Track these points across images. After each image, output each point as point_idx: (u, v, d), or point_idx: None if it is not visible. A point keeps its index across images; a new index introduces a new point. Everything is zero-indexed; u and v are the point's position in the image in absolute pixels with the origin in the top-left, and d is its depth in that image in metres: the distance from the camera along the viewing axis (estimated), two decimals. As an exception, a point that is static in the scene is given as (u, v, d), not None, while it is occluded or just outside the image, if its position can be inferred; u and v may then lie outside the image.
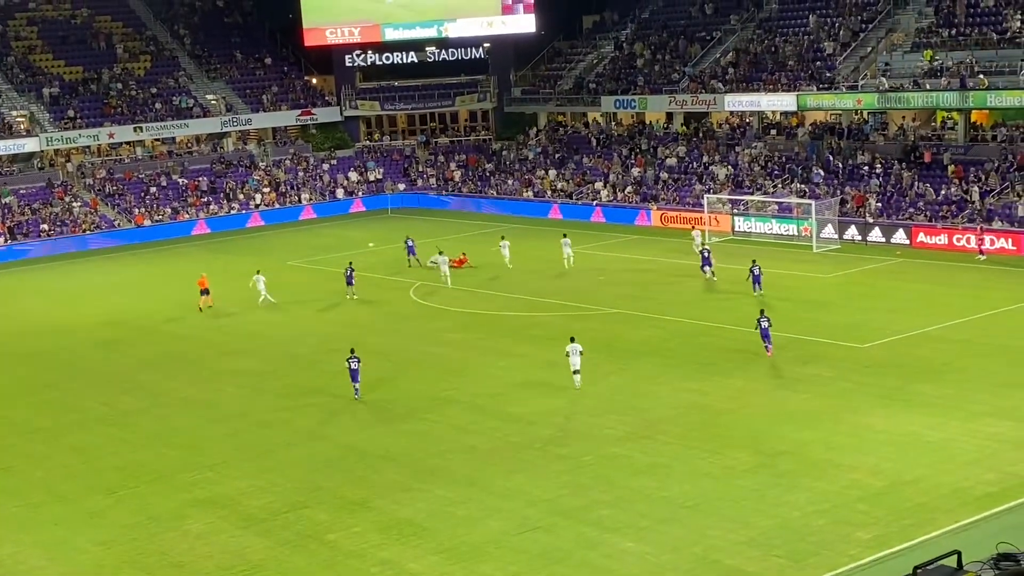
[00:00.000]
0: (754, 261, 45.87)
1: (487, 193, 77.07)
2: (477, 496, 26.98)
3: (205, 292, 49.78)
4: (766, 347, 37.51)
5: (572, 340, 35.30)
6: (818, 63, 67.44)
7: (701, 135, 72.81)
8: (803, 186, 62.49)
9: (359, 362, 35.41)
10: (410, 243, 57.56)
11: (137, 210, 73.37)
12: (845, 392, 33.33)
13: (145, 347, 44.32)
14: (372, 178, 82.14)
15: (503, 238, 57.11)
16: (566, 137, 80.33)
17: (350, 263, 51.88)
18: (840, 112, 66.67)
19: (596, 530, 24.72)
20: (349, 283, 50.40)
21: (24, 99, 77.12)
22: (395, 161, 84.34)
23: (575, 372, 34.97)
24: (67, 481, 29.89)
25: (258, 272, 50.94)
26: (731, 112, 72.25)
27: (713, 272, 49.73)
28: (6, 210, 70.76)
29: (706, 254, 50.42)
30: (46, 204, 72.05)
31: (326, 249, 61.00)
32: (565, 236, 54.69)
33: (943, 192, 57.53)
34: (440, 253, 53.19)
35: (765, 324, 37.48)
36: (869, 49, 66.36)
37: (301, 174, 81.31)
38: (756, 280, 45.33)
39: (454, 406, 34.35)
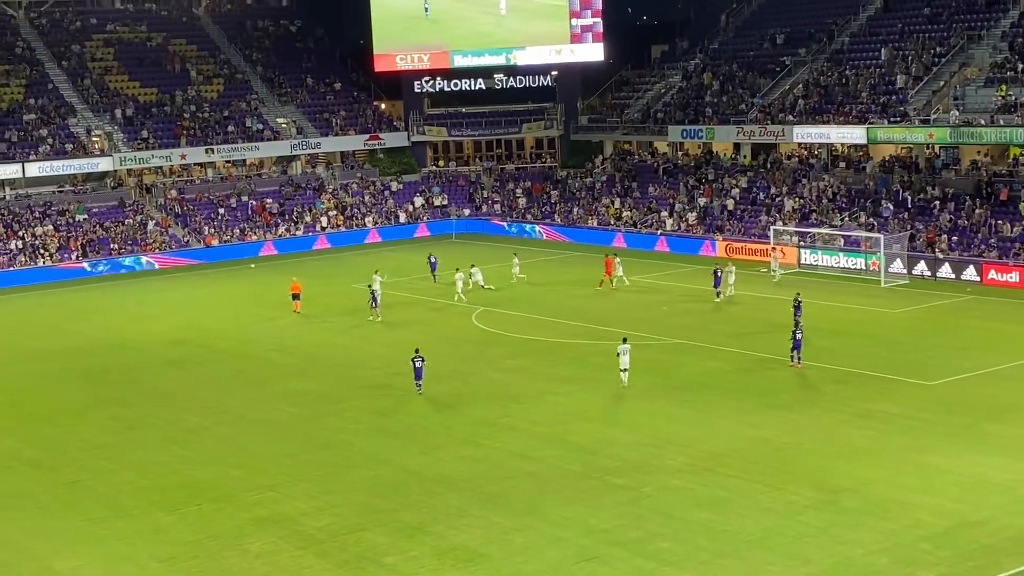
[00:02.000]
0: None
1: (551, 220, 77.12)
2: (535, 524, 26.90)
3: (296, 297, 52.44)
4: (792, 357, 39.16)
5: (624, 341, 38.67)
6: (890, 96, 66.85)
7: (769, 166, 72.41)
8: (871, 220, 61.89)
9: (423, 361, 38.50)
10: (433, 260, 59.92)
11: (206, 230, 74.28)
12: (911, 430, 32.88)
13: (210, 366, 44.77)
14: (437, 203, 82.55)
15: (515, 255, 59.75)
16: (632, 166, 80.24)
17: (370, 285, 52.53)
18: (911, 146, 65.98)
19: (654, 562, 24.55)
20: (373, 305, 51.19)
21: (99, 119, 78.48)
22: (460, 187, 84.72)
23: (623, 371, 38.06)
24: (130, 497, 30.21)
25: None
26: (799, 144, 71.81)
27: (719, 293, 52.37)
28: (79, 228, 71.93)
29: (718, 272, 52.84)
30: (118, 222, 73.17)
31: (390, 272, 61.25)
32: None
33: (1016, 229, 56.69)
34: (461, 269, 55.60)
35: (799, 336, 39.37)
36: (942, 83, 65.68)
37: (367, 198, 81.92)
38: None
39: (513, 433, 34.31)
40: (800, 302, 44.89)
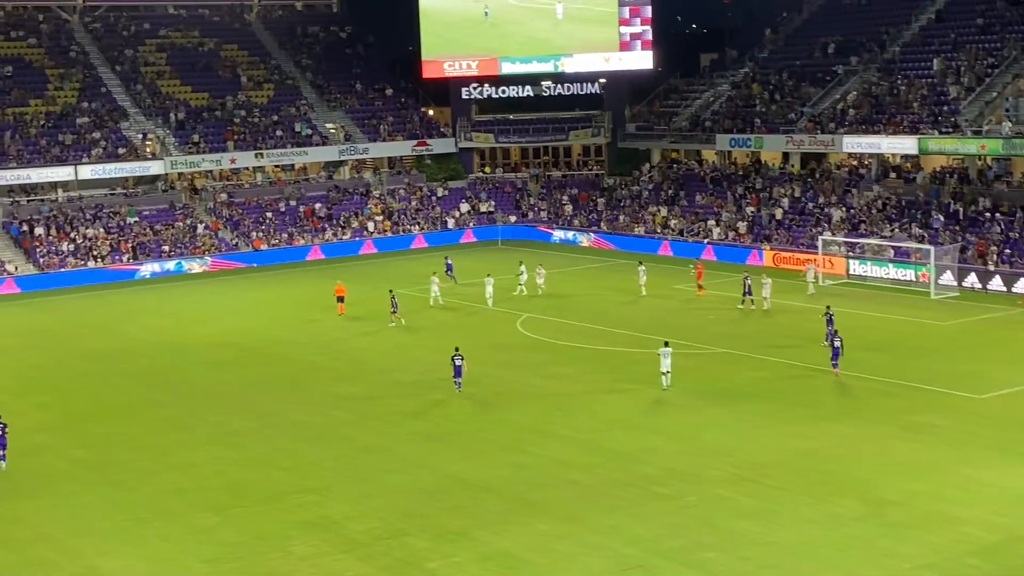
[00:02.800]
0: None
1: (598, 228, 76.99)
2: (577, 532, 26.84)
3: (340, 300, 53.09)
4: (833, 364, 39.52)
5: (665, 344, 39.61)
6: (941, 107, 66.23)
7: (818, 176, 71.94)
8: (922, 231, 61.32)
9: (463, 359, 39.44)
10: (448, 262, 61.51)
11: (255, 234, 74.80)
12: (959, 443, 32.53)
13: (256, 369, 45.05)
14: (484, 209, 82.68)
15: (540, 265, 59.79)
16: (679, 174, 79.98)
17: (391, 290, 52.73)
18: (963, 157, 65.32)
19: (697, 572, 24.42)
20: (393, 310, 51.37)
21: (151, 123, 79.28)
22: (507, 193, 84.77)
23: (664, 373, 38.85)
24: (176, 498, 30.44)
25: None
26: (849, 154, 71.29)
27: (752, 301, 52.47)
28: (129, 230, 72.66)
29: (748, 280, 53.10)
30: (168, 225, 73.84)
31: (436, 277, 61.38)
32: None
33: (1068, 241, 56.07)
34: (492, 275, 56.06)
35: (838, 343, 39.76)
36: (995, 94, 64.98)
37: (414, 203, 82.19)
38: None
39: (556, 440, 34.26)
40: (832, 315, 44.55)
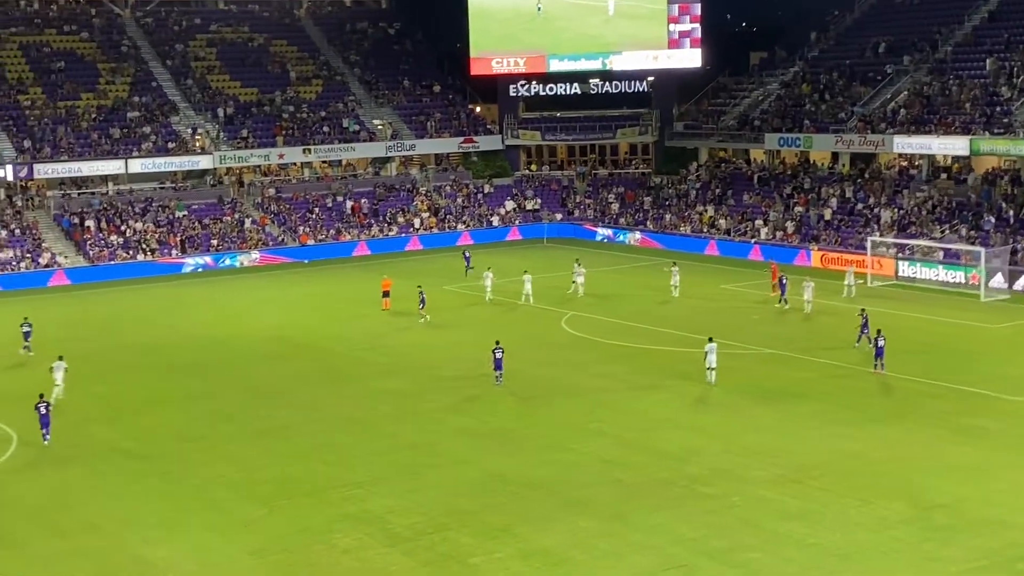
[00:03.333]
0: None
1: (644, 227, 76.79)
2: (620, 530, 26.81)
3: (386, 295, 53.58)
4: (876, 364, 39.65)
5: (710, 340, 39.79)
6: (994, 107, 65.51)
7: (867, 176, 71.37)
8: (972, 233, 60.69)
9: (503, 352, 40.29)
10: (467, 255, 63.88)
11: (302, 229, 75.23)
12: (1009, 447, 32.21)
13: (303, 363, 45.31)
14: (530, 207, 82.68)
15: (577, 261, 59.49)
16: (727, 173, 79.61)
17: (419, 286, 52.86)
18: (1015, 158, 64.57)
19: (741, 572, 24.34)
20: (422, 305, 51.75)
21: (200, 117, 79.90)
22: (553, 191, 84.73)
23: (710, 369, 39.33)
24: (222, 489, 30.70)
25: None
26: (899, 154, 70.66)
27: (785, 300, 52.83)
28: (178, 224, 73.30)
29: (784, 280, 53.32)
30: (216, 219, 74.41)
31: (482, 275, 61.48)
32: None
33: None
34: (489, 269, 56.72)
35: (881, 343, 39.96)
36: (1048, 94, 64.26)
37: (460, 200, 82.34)
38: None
39: (601, 438, 34.23)
40: (867, 318, 44.36)
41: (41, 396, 35.75)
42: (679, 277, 56.24)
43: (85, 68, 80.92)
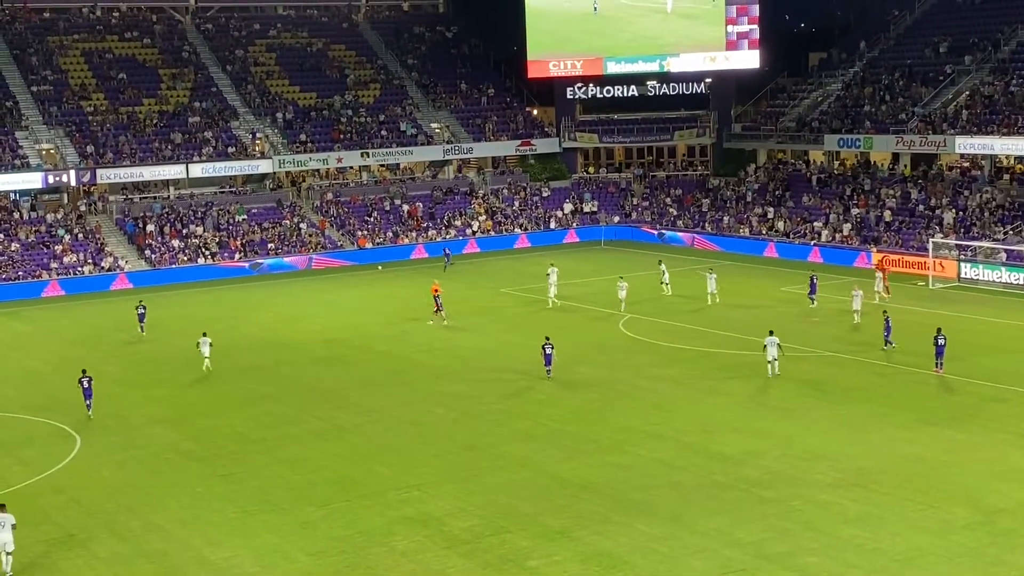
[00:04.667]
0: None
1: (702, 229, 76.46)
2: (679, 534, 26.70)
3: (437, 299, 53.18)
4: (937, 364, 39.74)
5: (771, 333, 40.87)
6: (1058, 106, 64.61)
7: (928, 177, 70.58)
8: (1036, 234, 59.89)
9: (552, 348, 41.59)
10: (448, 253, 67.21)
11: (360, 232, 75.65)
12: (1074, 452, 31.68)
13: (362, 365, 45.56)
14: (587, 210, 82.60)
15: (552, 264, 59.46)
16: (786, 175, 79.04)
17: (434, 288, 53.31)
18: (1080, 158, 63.66)
19: (801, 577, 24.15)
20: (437, 309, 52.24)
21: (260, 122, 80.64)
22: (610, 194, 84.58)
23: (770, 361, 40.31)
24: (282, 491, 30.93)
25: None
26: (961, 155, 69.80)
27: (813, 299, 53.13)
28: (238, 228, 74.00)
29: (814, 280, 53.53)
30: (275, 223, 75.04)
31: (538, 278, 61.54)
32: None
33: None
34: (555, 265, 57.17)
35: (941, 342, 39.90)
36: (1114, 93, 63.21)
37: (517, 203, 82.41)
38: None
39: (659, 441, 34.11)
40: (888, 320, 44.58)
41: (84, 371, 39.46)
42: (716, 284, 55.24)
43: (146, 74, 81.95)
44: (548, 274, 56.87)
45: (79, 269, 67.72)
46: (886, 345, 44.15)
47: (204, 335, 45.55)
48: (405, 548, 26.56)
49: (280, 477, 32.13)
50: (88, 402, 38.77)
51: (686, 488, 29.83)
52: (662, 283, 57.56)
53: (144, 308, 53.49)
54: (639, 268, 62.68)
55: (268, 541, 27.43)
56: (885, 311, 45.92)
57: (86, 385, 38.78)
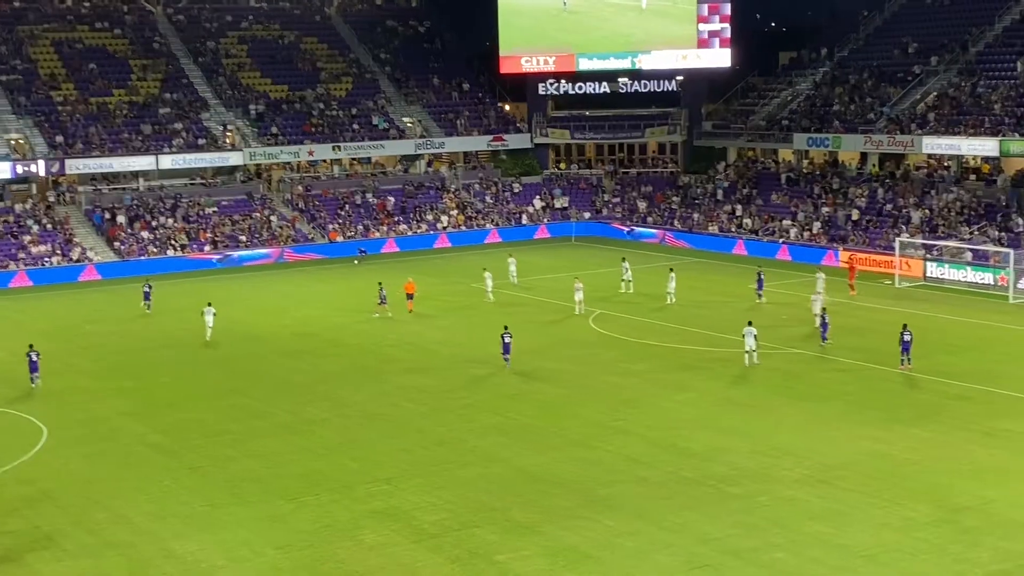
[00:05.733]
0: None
1: (672, 226, 76.74)
2: (646, 529, 26.87)
3: (410, 296, 53.36)
4: (903, 360, 39.98)
5: (749, 324, 41.94)
6: (1024, 108, 65.21)
7: (896, 177, 71.10)
8: (1001, 234, 60.37)
9: (511, 337, 42.50)
10: (363, 252, 67.94)
11: (331, 226, 75.53)
12: (1036, 450, 32.06)
13: (331, 359, 45.54)
14: (558, 205, 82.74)
15: (510, 255, 61.43)
16: (755, 173, 79.43)
17: (380, 283, 53.62)
18: (1046, 160, 64.28)
19: (767, 573, 24.36)
20: (381, 302, 52.65)
21: (231, 114, 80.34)
22: (581, 190, 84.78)
23: (748, 351, 41.45)
24: (250, 484, 30.91)
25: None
26: (928, 155, 70.36)
27: (761, 295, 54.14)
28: (208, 220, 73.71)
29: (760, 276, 54.30)
30: (246, 216, 74.79)
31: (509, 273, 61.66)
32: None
33: None
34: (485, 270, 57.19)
35: (908, 337, 40.29)
36: (1080, 96, 63.85)
37: (489, 199, 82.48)
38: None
39: (627, 437, 34.28)
40: (826, 318, 44.77)
41: (31, 346, 41.82)
42: (675, 283, 54.90)
43: (117, 65, 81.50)
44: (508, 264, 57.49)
45: (47, 260, 67.33)
46: (825, 341, 44.65)
47: (209, 305, 49.21)
48: (373, 542, 26.61)
49: (248, 470, 32.10)
50: (33, 375, 40.96)
51: (653, 484, 30.01)
52: (623, 280, 57.66)
53: (150, 287, 56.30)
54: (609, 264, 62.81)
55: (236, 534, 27.42)
56: (824, 309, 46.18)
57: (34, 358, 40.80)
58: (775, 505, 28.15)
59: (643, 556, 25.35)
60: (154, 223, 72.22)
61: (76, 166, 72.81)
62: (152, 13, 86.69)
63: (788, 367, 42.26)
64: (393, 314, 52.42)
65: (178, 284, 64.29)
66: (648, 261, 67.58)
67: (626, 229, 77.99)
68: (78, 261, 67.75)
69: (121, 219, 71.69)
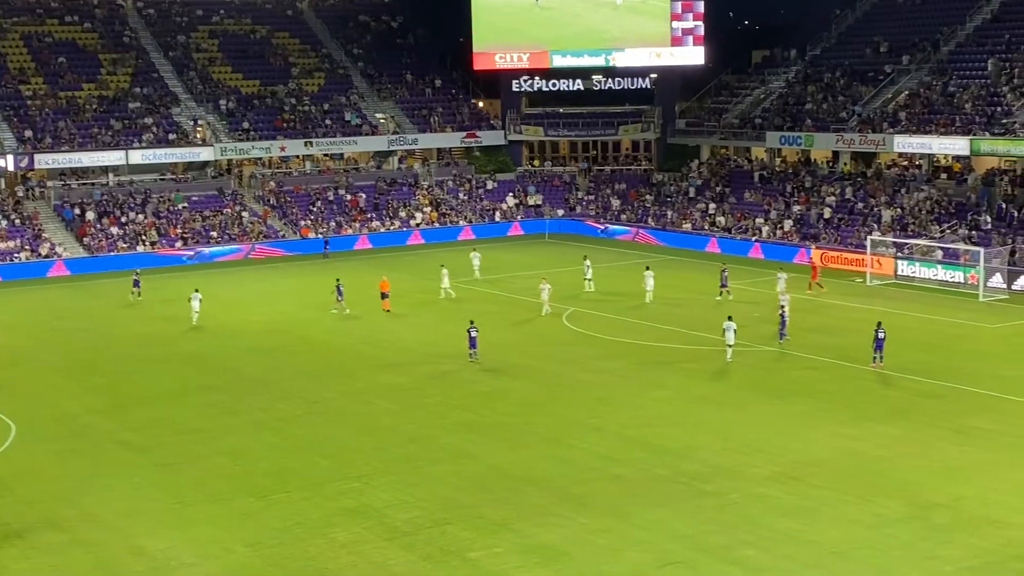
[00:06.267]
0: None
1: (645, 223, 76.83)
2: (619, 526, 26.87)
3: (385, 296, 52.91)
4: (875, 357, 40.11)
5: (729, 319, 42.60)
6: (995, 108, 65.53)
7: (868, 176, 71.42)
8: (972, 232, 60.74)
9: (477, 331, 43.00)
10: (327, 244, 69.62)
11: (303, 222, 75.23)
12: (1007, 447, 32.25)
13: (303, 356, 45.35)
14: (532, 203, 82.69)
15: (474, 249, 62.22)
16: (728, 171, 79.63)
17: (338, 279, 53.75)
18: (1015, 159, 64.61)
19: (739, 569, 24.38)
20: (338, 299, 52.71)
21: (202, 109, 79.92)
22: (555, 187, 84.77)
23: (729, 346, 41.78)
24: (221, 482, 30.73)
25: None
26: (900, 154, 70.71)
27: (728, 292, 54.24)
28: (178, 215, 73.30)
29: (724, 273, 54.62)
30: (217, 212, 74.41)
31: (484, 271, 61.59)
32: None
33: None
34: (443, 266, 57.13)
35: (881, 335, 40.43)
36: (1050, 95, 64.26)
37: (462, 195, 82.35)
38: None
39: (601, 434, 34.27)
40: (784, 315, 45.32)
41: None
42: (653, 282, 54.83)
43: (87, 59, 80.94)
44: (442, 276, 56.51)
45: (16, 256, 66.78)
46: (784, 338, 44.83)
47: (196, 291, 51.14)
48: (345, 540, 26.49)
49: (219, 468, 31.92)
50: None
51: (626, 481, 30.02)
52: (585, 279, 57.55)
53: (138, 275, 58.17)
54: (581, 263, 62.78)
55: (206, 532, 27.25)
56: (783, 306, 46.35)
57: None
58: (747, 502, 28.20)
59: (616, 553, 25.34)
60: (124, 219, 71.73)
61: (45, 161, 72.28)
62: (122, 7, 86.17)
63: (761, 365, 42.37)
64: (351, 311, 52.19)
65: (148, 280, 63.78)
66: (622, 259, 67.65)
67: (600, 227, 78.03)
68: (47, 257, 67.24)
69: (90, 215, 71.16)
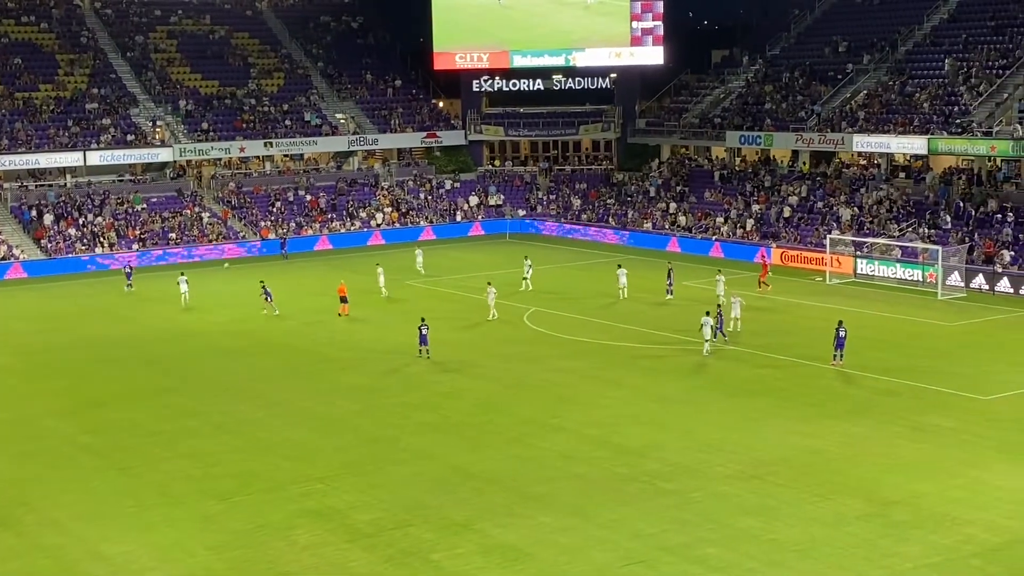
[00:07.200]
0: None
1: (606, 223, 77.02)
2: (581, 526, 26.92)
3: (344, 300, 52.35)
4: (835, 355, 40.70)
5: (707, 314, 43.29)
6: (952, 107, 66.16)
7: (827, 175, 71.91)
8: (930, 231, 61.27)
9: (428, 328, 43.71)
10: (284, 245, 70.50)
11: (263, 223, 74.88)
12: (964, 444, 32.56)
13: (264, 357, 45.14)
14: (493, 203, 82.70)
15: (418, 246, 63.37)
16: (688, 171, 79.95)
17: (262, 281, 53.87)
18: (972, 158, 65.25)
19: (701, 568, 24.49)
20: (267, 300, 52.94)
21: (160, 110, 79.38)
22: (516, 187, 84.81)
23: (705, 341, 42.70)
24: (181, 485, 30.54)
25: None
26: (859, 153, 71.24)
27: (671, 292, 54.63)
28: (137, 217, 72.76)
29: (671, 270, 55.31)
30: (176, 213, 73.91)
31: (446, 271, 61.56)
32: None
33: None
34: (378, 264, 57.93)
35: (842, 333, 40.87)
36: (1006, 95, 64.88)
37: (423, 195, 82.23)
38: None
39: (562, 434, 34.32)
40: (721, 313, 45.63)
41: None
42: (626, 279, 55.13)
43: (43, 59, 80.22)
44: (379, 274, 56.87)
45: (-28, 258, 66.12)
46: (724, 336, 45.10)
47: (182, 274, 55.11)
48: (307, 542, 26.40)
49: (180, 470, 31.71)
50: None
51: (588, 480, 30.07)
52: (523, 278, 57.54)
53: (131, 269, 60.30)
54: (541, 262, 62.82)
55: (167, 535, 27.07)
56: (719, 305, 46.76)
57: None
58: (708, 500, 28.33)
59: (578, 552, 25.38)
60: (81, 220, 71.14)
61: (1, 162, 71.59)
62: (79, 7, 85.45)
63: (721, 363, 42.56)
64: (280, 312, 52.27)
65: (107, 282, 63.39)
66: (583, 259, 67.76)
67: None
68: (4, 259, 66.56)
69: (48, 218, 70.48)
